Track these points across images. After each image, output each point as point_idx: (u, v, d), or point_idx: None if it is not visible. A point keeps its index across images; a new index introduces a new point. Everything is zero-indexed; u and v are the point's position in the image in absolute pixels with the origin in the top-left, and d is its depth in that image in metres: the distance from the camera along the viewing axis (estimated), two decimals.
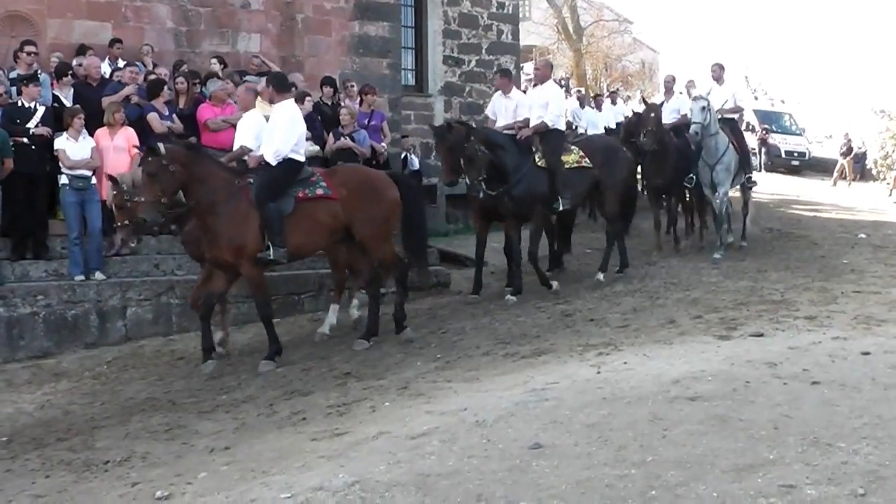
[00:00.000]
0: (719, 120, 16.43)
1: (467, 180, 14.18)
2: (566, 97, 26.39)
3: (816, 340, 9.05)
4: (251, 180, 11.58)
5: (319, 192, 11.77)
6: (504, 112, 15.08)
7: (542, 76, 15.51)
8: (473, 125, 15.82)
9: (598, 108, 22.82)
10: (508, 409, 7.16)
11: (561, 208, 14.58)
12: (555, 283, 14.54)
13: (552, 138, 14.58)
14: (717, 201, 16.37)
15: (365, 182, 12.21)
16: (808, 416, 6.50)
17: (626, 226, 15.99)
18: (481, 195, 14.31)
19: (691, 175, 16.69)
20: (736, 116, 17.87)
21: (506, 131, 14.73)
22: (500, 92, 15.44)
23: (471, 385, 8.77)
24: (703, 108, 15.86)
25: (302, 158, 11.99)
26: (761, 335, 9.52)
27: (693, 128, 15.96)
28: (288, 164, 11.69)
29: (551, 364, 9.21)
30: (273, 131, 11.73)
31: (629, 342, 9.89)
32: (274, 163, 11.61)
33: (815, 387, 7.18)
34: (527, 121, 14.65)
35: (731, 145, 16.45)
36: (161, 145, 11.32)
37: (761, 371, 7.71)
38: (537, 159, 14.41)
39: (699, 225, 18.54)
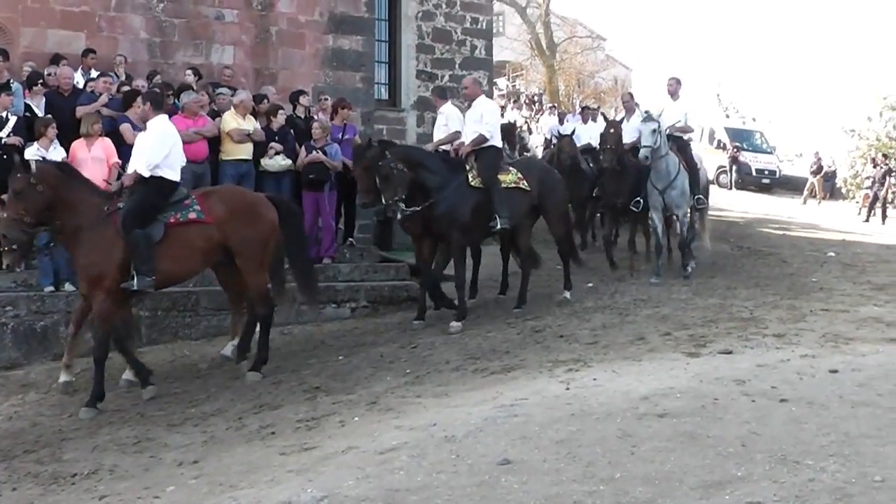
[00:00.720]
0: (668, 139, 15.95)
1: (384, 200, 13.52)
2: (549, 114, 26.33)
3: (785, 358, 9.10)
4: (121, 205, 11.28)
5: (192, 215, 11.47)
6: (438, 129, 15.03)
7: (470, 94, 14.61)
8: (399, 143, 15.90)
9: (585, 121, 22.13)
10: (477, 425, 7.17)
11: (499, 227, 13.77)
12: (456, 325, 13.28)
13: (487, 155, 13.97)
14: (660, 231, 16.08)
15: (242, 204, 11.92)
16: (776, 433, 6.54)
17: (573, 246, 15.53)
18: (399, 216, 13.82)
19: (638, 199, 16.17)
20: (687, 136, 16.90)
21: (443, 147, 14.54)
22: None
23: (440, 400, 8.78)
24: (654, 130, 15.34)
25: (176, 177, 11.71)
26: (730, 352, 9.57)
27: (643, 152, 15.43)
28: (159, 183, 11.51)
29: (521, 380, 9.23)
30: (144, 145, 11.66)
31: (598, 358, 9.91)
32: (147, 174, 11.44)
33: (783, 404, 7.23)
34: (456, 134, 14.44)
35: (681, 166, 15.94)
36: (33, 162, 11.13)
37: (730, 388, 7.75)
38: (470, 178, 13.74)
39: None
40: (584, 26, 55.15)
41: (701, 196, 16.67)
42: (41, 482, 8.34)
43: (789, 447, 6.23)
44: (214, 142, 15.51)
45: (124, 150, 14.27)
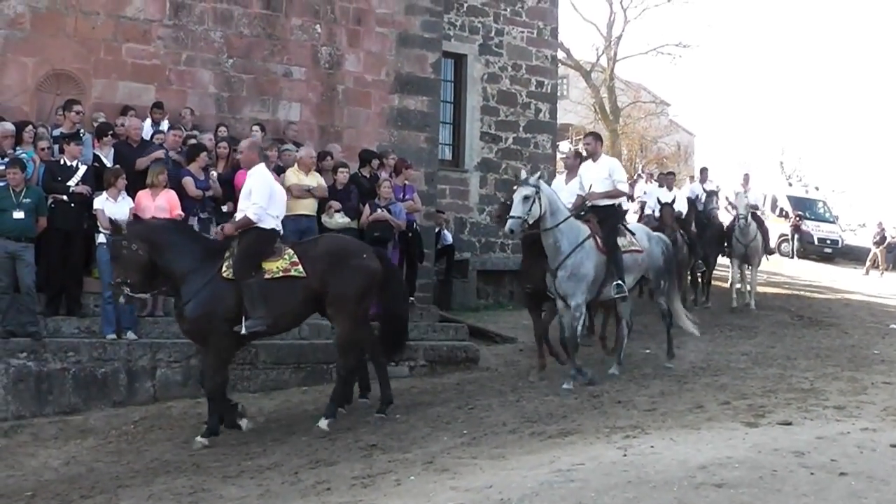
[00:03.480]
0: (589, 209, 13.76)
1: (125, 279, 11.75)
2: (646, 181, 26.31)
3: (845, 431, 9.00)
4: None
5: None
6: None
7: (245, 160, 12.60)
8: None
9: (669, 187, 21.20)
10: (533, 489, 7.14)
11: (244, 331, 11.57)
12: (245, 422, 12.10)
13: (248, 237, 11.88)
14: (567, 319, 13.43)
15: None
16: None
17: (355, 360, 12.59)
18: (122, 300, 12.11)
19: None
20: (617, 202, 14.18)
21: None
22: None
23: (496, 462, 8.76)
24: (527, 197, 12.85)
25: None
26: (789, 423, 9.47)
27: (509, 224, 12.97)
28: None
29: (578, 445, 9.19)
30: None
31: (656, 426, 9.85)
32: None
33: (843, 478, 7.15)
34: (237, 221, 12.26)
35: (588, 243, 13.26)
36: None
37: (788, 460, 7.68)
38: (224, 268, 11.75)
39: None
40: (647, 91, 55.12)
41: (621, 283, 13.42)
42: None
43: None
44: None
45: (186, 203, 14.51)
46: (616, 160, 14.49)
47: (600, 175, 13.85)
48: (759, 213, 23.25)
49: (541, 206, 12.88)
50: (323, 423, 11.81)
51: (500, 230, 17.79)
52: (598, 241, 13.34)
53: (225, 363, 12.03)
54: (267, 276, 11.70)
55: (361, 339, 12.36)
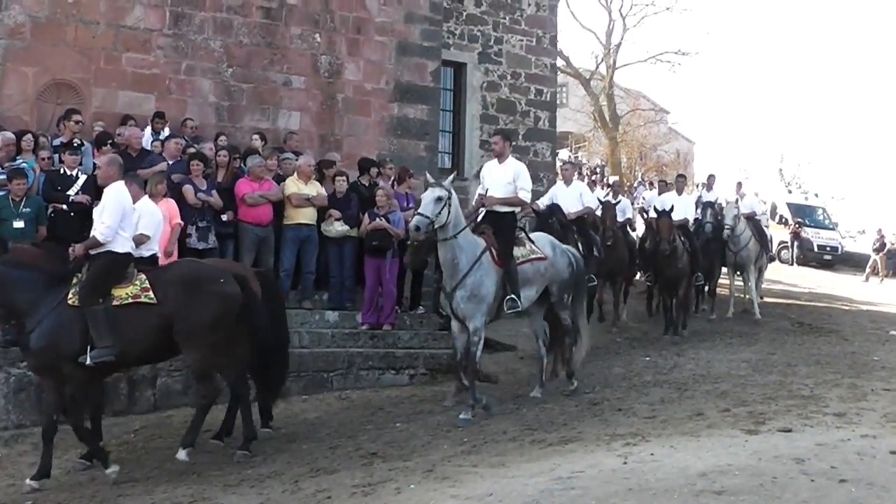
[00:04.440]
0: (485, 215, 13.39)
1: None
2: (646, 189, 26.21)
3: (845, 438, 9.00)
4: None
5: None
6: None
7: (103, 176, 11.67)
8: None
9: (679, 191, 21.12)
10: (534, 497, 7.16)
11: (89, 362, 10.67)
12: (112, 468, 10.87)
13: (98, 261, 11.02)
14: (460, 343, 12.69)
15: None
16: None
17: (213, 388, 11.54)
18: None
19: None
20: (516, 210, 13.19)
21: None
22: None
23: (497, 470, 8.76)
24: (439, 198, 11.90)
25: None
26: (789, 430, 9.47)
27: (415, 221, 11.96)
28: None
29: (578, 452, 9.19)
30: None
31: (656, 433, 9.85)
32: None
33: (843, 485, 7.16)
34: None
35: (485, 258, 12.33)
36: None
37: (789, 467, 7.69)
38: (71, 294, 10.87)
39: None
40: (647, 99, 55.22)
41: (514, 298, 12.40)
42: None
43: None
44: (280, 206, 15.74)
45: (186, 211, 14.54)
46: (523, 165, 13.21)
47: (503, 179, 12.90)
48: (758, 219, 23.18)
49: (449, 210, 11.98)
50: (181, 454, 10.97)
51: None
52: (494, 253, 12.45)
53: (78, 398, 11.11)
54: (115, 302, 10.82)
55: (219, 366, 11.39)
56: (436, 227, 11.93)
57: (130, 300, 10.86)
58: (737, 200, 21.73)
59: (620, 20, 46.97)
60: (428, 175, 12.58)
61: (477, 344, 12.28)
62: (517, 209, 13.16)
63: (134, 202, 11.80)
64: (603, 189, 24.27)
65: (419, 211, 12.00)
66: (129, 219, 11.33)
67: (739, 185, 23.99)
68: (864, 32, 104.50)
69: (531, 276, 12.83)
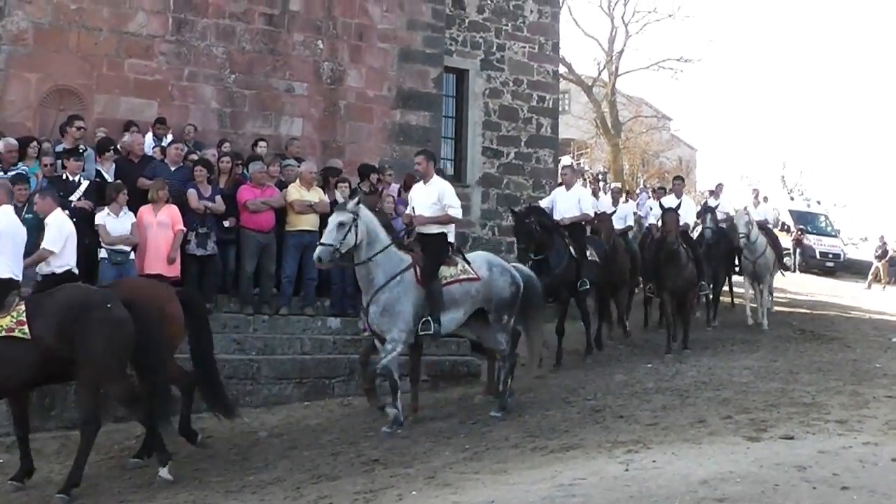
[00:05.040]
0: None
1: None
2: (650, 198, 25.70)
3: (847, 445, 8.99)
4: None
5: None
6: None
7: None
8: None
9: (678, 194, 20.66)
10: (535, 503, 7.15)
11: None
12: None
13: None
14: (379, 364, 12.27)
15: None
16: None
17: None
18: None
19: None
20: (446, 230, 13.01)
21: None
22: None
23: (498, 477, 8.76)
24: (342, 224, 11.88)
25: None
26: (791, 438, 9.46)
27: (318, 252, 12.06)
28: None
29: (580, 459, 9.19)
30: None
31: (658, 440, 9.85)
32: None
33: (845, 492, 7.15)
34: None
35: (407, 275, 12.20)
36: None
37: (790, 474, 7.68)
38: None
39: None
40: (649, 106, 55.21)
41: (429, 320, 12.18)
42: None
43: None
44: (282, 213, 15.75)
45: (189, 217, 14.57)
46: (448, 184, 13.09)
47: (429, 199, 12.81)
48: (770, 227, 22.91)
49: (356, 234, 11.86)
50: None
51: (503, 246, 17.76)
52: (419, 272, 12.32)
53: None
54: None
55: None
56: (342, 251, 11.87)
57: (4, 333, 10.23)
58: (745, 208, 21.58)
59: (623, 27, 47.11)
60: (339, 194, 12.87)
61: (390, 353, 12.02)
62: (447, 229, 12.97)
63: (47, 215, 11.85)
64: (606, 195, 23.93)
65: (321, 240, 12.06)
66: (7, 240, 10.73)
67: (756, 192, 23.73)
68: (867, 40, 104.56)
69: (458, 297, 12.56)
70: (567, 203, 16.87)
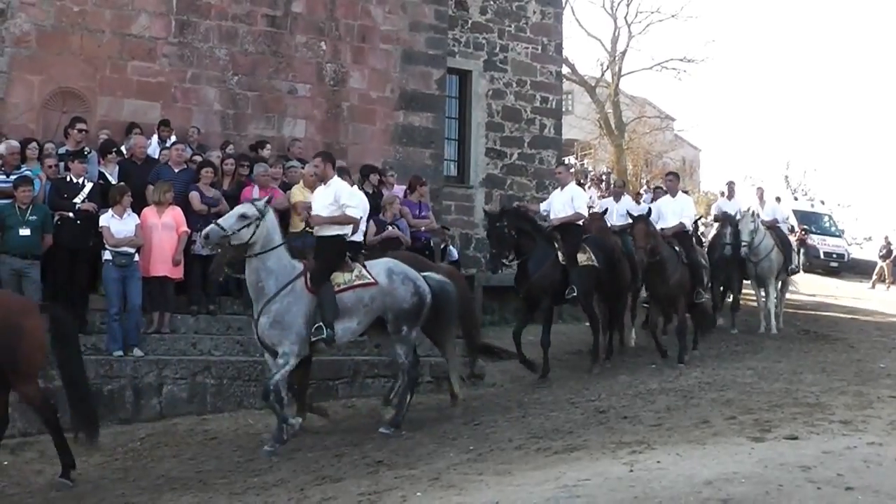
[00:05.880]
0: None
1: None
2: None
3: (851, 445, 8.98)
4: None
5: None
6: None
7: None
8: None
9: (673, 193, 19.83)
10: None
11: None
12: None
13: None
14: (271, 381, 11.69)
15: None
16: None
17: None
18: None
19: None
20: (343, 232, 12.39)
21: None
22: None
23: (502, 478, 8.75)
24: (244, 215, 11.60)
25: None
26: (795, 438, 9.44)
27: (208, 229, 11.81)
28: None
29: (584, 460, 9.18)
30: None
31: (662, 441, 9.83)
32: None
33: (849, 492, 7.13)
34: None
35: (298, 283, 11.75)
36: None
37: (795, 475, 7.66)
38: None
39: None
40: (653, 106, 55.17)
41: (321, 325, 11.72)
42: None
43: None
44: (286, 215, 15.74)
45: (193, 219, 14.58)
46: (344, 184, 12.62)
47: (326, 201, 12.31)
48: (780, 227, 22.25)
49: (253, 232, 11.46)
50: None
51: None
52: (308, 278, 11.84)
53: None
54: None
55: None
56: (232, 242, 11.47)
57: None
58: (751, 209, 21.13)
59: (626, 27, 47.09)
60: (255, 191, 12.19)
61: (282, 367, 11.57)
62: (344, 232, 12.36)
63: None
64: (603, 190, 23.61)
65: (217, 221, 11.71)
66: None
67: (761, 191, 23.23)
68: (871, 40, 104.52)
69: (351, 304, 12.02)
70: (559, 203, 16.32)
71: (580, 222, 16.52)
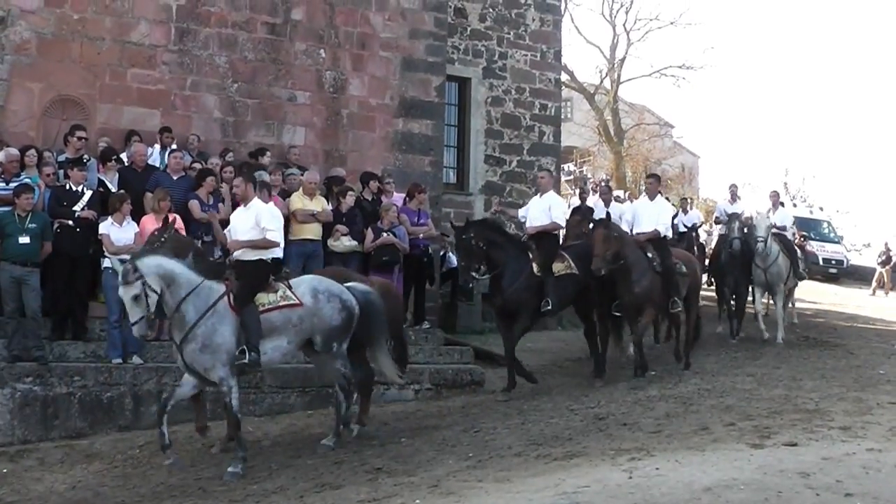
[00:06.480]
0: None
1: None
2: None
3: (850, 451, 8.99)
4: None
5: None
6: None
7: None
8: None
9: (651, 196, 19.36)
10: None
11: None
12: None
13: None
14: (233, 411, 11.61)
15: None
16: None
17: None
18: None
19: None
20: (266, 257, 12.03)
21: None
22: None
23: (501, 485, 8.75)
24: (136, 297, 10.95)
25: None
26: (795, 445, 9.45)
27: (134, 330, 11.34)
28: None
29: (583, 467, 9.17)
30: None
31: (661, 448, 9.83)
32: None
33: (849, 499, 7.14)
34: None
35: (221, 304, 11.43)
36: None
37: (794, 481, 7.67)
38: None
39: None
40: (651, 113, 55.24)
41: (247, 349, 11.41)
42: None
43: None
44: (286, 222, 15.74)
45: (193, 226, 14.57)
46: (265, 206, 12.14)
47: (247, 224, 12.00)
48: (787, 234, 21.86)
49: (153, 292, 10.94)
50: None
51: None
52: (232, 299, 11.51)
53: None
54: None
55: None
56: (154, 314, 11.24)
57: None
58: (768, 211, 20.97)
59: (625, 35, 47.24)
60: (123, 264, 11.17)
61: (229, 394, 11.39)
62: (266, 255, 11.95)
63: None
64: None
65: (131, 320, 11.08)
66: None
67: (776, 194, 22.89)
68: (870, 46, 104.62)
69: (279, 325, 11.74)
70: (536, 210, 15.85)
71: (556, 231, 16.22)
